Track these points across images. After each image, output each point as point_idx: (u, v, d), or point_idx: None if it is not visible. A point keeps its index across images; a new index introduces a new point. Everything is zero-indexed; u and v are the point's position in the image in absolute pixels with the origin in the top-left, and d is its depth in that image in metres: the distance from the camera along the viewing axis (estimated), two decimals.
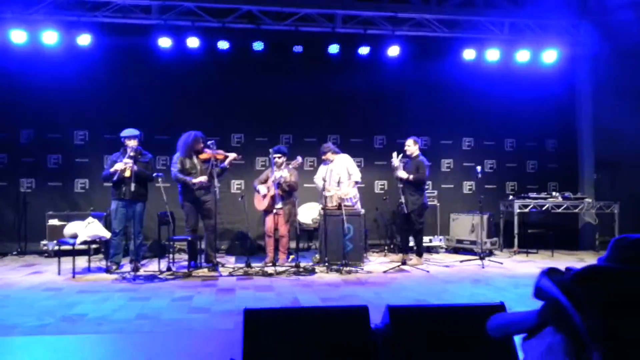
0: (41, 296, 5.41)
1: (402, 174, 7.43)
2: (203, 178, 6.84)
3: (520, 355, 1.86)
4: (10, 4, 8.05)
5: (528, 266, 7.63)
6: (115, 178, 6.68)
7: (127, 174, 6.65)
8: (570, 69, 9.70)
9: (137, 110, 8.65)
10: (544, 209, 8.82)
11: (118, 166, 6.65)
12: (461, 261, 7.86)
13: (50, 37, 8.19)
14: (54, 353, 3.58)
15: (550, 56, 9.34)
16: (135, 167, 6.66)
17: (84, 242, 6.71)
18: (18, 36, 8.11)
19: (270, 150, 7.38)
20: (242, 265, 7.05)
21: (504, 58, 9.33)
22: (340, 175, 7.59)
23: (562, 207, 8.83)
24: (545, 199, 8.91)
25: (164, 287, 5.90)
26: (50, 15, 8.12)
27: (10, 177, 8.74)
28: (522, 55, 9.32)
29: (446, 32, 9.07)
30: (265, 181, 7.46)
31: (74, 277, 6.39)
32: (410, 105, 9.46)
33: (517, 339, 2.57)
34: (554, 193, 9.07)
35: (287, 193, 7.42)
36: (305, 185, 8.52)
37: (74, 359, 3.50)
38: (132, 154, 6.73)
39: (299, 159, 7.35)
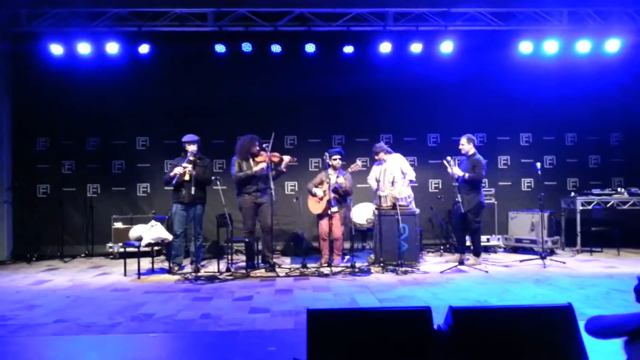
0: (110, 296, 5.68)
1: (457, 171, 7.31)
2: (262, 165, 6.98)
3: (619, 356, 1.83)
4: (75, 18, 8.49)
5: (593, 265, 7.33)
6: (174, 182, 6.93)
7: (187, 177, 6.88)
8: (635, 58, 9.22)
9: (194, 116, 8.96)
10: (608, 205, 8.45)
11: (177, 170, 6.89)
12: (521, 261, 7.65)
13: (112, 48, 8.57)
14: (125, 351, 3.76)
15: (613, 45, 8.89)
16: (194, 171, 6.87)
17: (148, 245, 6.99)
18: (83, 48, 8.54)
19: (326, 153, 7.44)
20: (298, 265, 7.14)
21: (563, 49, 8.96)
22: (394, 175, 7.54)
23: (629, 204, 8.43)
24: (610, 195, 8.54)
25: (224, 287, 6.06)
26: (112, 27, 8.50)
27: (78, 182, 9.19)
28: (583, 46, 8.93)
29: (501, 24, 8.82)
30: (319, 184, 7.51)
31: (139, 278, 6.67)
32: (465, 102, 9.30)
33: (588, 341, 2.49)
34: (619, 189, 8.67)
35: (342, 197, 7.45)
36: (358, 185, 8.52)
37: (145, 357, 3.66)
38: (191, 158, 6.95)
39: (359, 163, 7.33)
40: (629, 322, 1.75)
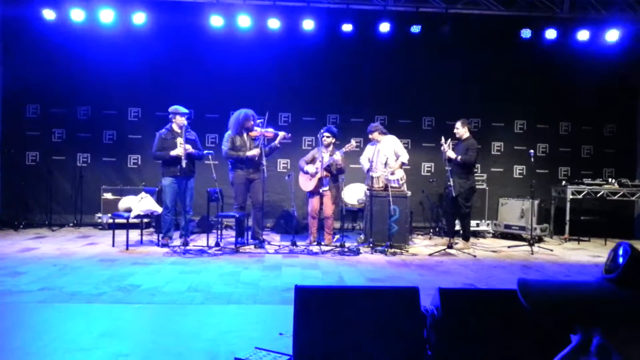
0: (97, 266, 5.65)
1: (450, 153, 7.30)
2: (255, 151, 6.93)
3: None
4: None
5: (579, 254, 7.40)
6: (175, 160, 6.85)
7: (181, 152, 6.81)
8: (635, 48, 9.16)
9: (188, 89, 8.83)
10: (598, 195, 8.50)
11: (179, 151, 6.81)
12: (509, 247, 7.70)
13: (107, 16, 8.38)
14: (110, 321, 3.73)
15: (612, 36, 8.84)
16: (189, 147, 6.81)
17: (137, 216, 6.94)
18: (77, 15, 8.35)
19: (322, 130, 7.40)
20: (288, 243, 7.14)
21: (563, 37, 8.91)
22: (387, 157, 7.51)
23: (618, 195, 8.48)
24: (600, 185, 8.57)
25: (213, 261, 6.05)
26: None
27: (68, 151, 9.10)
28: (582, 35, 8.87)
29: (502, 10, 8.75)
30: (311, 161, 7.46)
31: (127, 249, 6.64)
32: (461, 86, 9.24)
33: None
34: (610, 179, 8.71)
35: (334, 176, 7.41)
36: (351, 165, 8.49)
37: (129, 327, 3.65)
38: (178, 131, 6.89)
39: (353, 143, 7.26)
40: (572, 291, 0.89)
